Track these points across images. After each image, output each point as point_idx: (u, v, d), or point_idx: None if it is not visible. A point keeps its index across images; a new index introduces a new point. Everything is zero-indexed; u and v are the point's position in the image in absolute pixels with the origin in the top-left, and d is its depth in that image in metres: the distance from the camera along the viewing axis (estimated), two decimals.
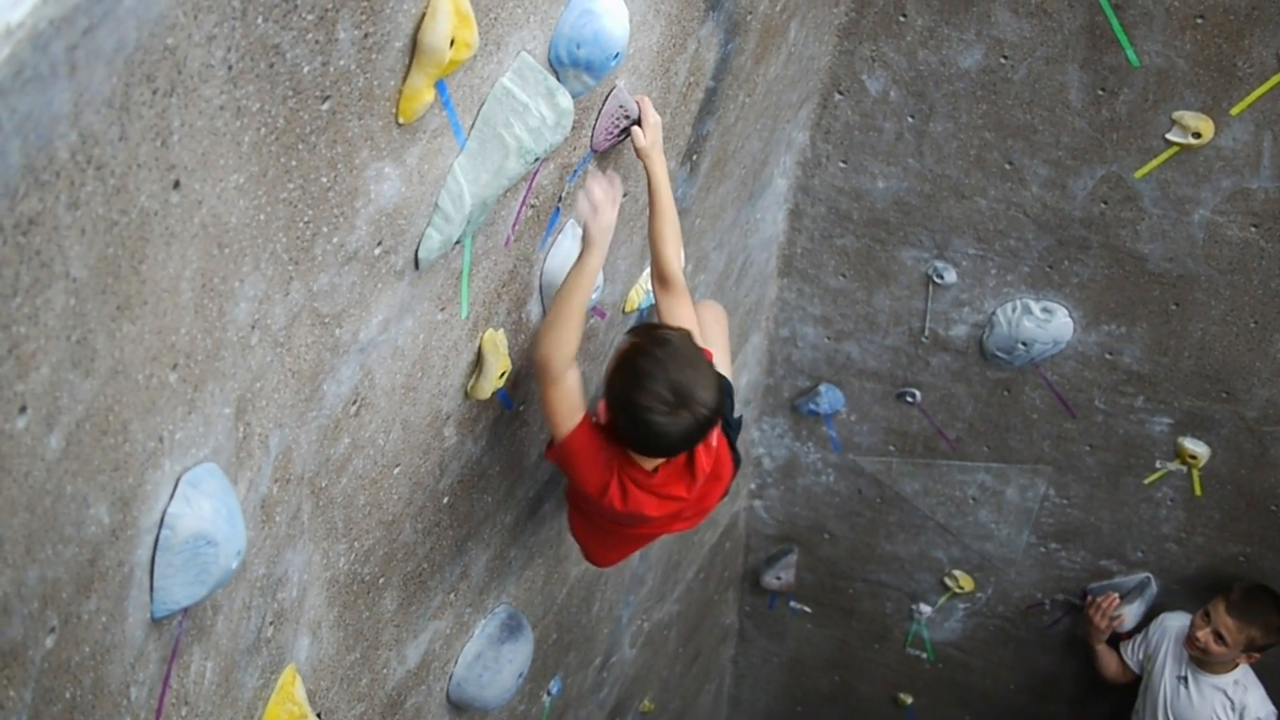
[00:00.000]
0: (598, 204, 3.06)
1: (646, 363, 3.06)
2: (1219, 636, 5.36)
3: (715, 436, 3.38)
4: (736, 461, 3.63)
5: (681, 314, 3.40)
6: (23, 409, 1.53)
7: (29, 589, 1.66)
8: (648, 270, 3.95)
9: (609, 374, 3.17)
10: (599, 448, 3.23)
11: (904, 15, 4.42)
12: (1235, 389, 5.03)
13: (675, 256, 3.37)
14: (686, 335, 3.19)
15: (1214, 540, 5.61)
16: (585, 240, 3.09)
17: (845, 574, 6.56)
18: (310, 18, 1.92)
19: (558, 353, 3.10)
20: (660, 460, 3.26)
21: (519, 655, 4.07)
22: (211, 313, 1.98)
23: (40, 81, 1.39)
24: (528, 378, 3.42)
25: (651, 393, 3.02)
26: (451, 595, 3.68)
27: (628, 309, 4.00)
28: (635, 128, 3.21)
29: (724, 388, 3.30)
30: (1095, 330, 5.06)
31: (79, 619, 1.82)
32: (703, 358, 3.14)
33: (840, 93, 4.71)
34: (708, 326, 3.78)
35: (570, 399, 3.18)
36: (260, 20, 1.82)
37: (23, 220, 1.43)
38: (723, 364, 3.68)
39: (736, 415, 3.75)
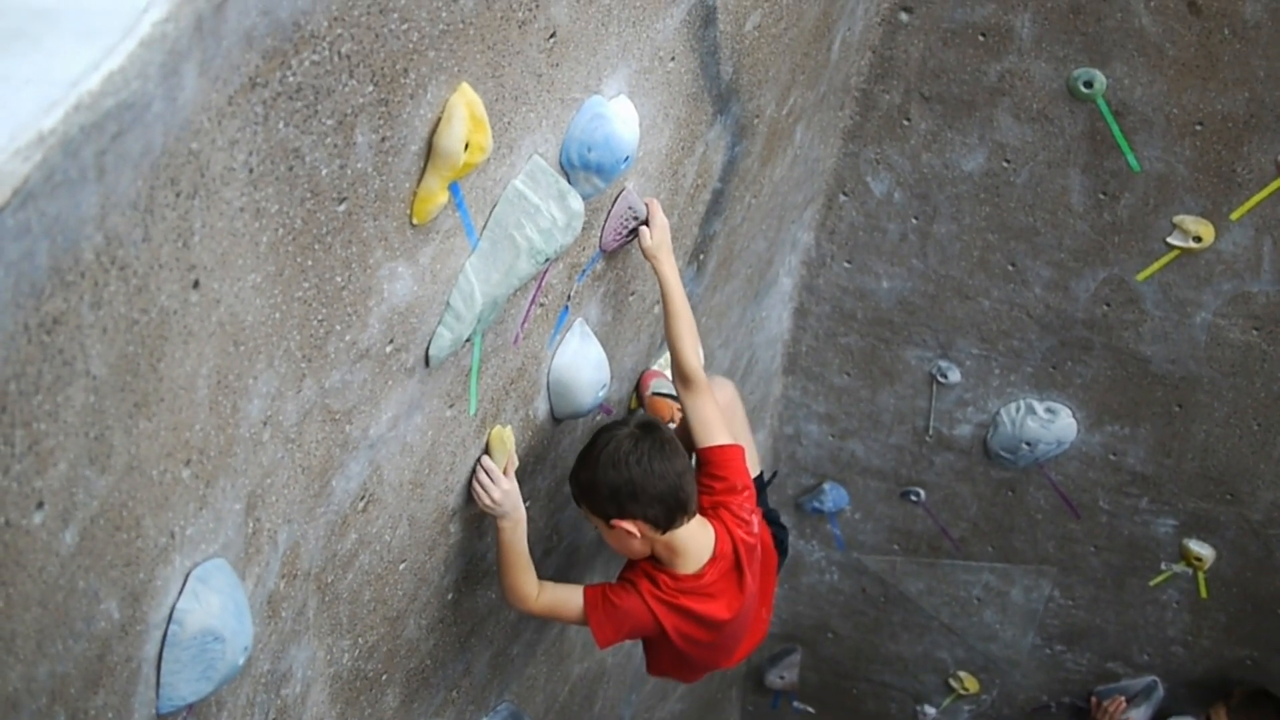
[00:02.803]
0: (495, 481, 3.10)
1: (583, 475, 3.23)
2: None
3: (755, 520, 3.42)
4: (781, 552, 3.74)
5: (706, 411, 3.44)
6: (40, 504, 1.54)
7: (38, 684, 1.66)
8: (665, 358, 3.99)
9: (592, 493, 3.23)
10: (628, 599, 3.29)
11: (908, 119, 4.50)
12: (1240, 491, 5.02)
13: (693, 354, 3.40)
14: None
15: (1221, 643, 5.57)
16: (500, 514, 3.14)
17: (849, 674, 6.51)
18: (330, 122, 1.97)
19: (524, 591, 3.26)
20: (706, 559, 3.30)
21: None
22: (225, 409, 2.00)
23: (70, 185, 1.42)
24: (533, 473, 3.44)
25: (612, 448, 3.16)
26: (454, 692, 3.66)
27: (633, 406, 4.02)
28: (642, 227, 3.25)
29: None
30: (1099, 431, 5.07)
31: (86, 715, 1.81)
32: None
33: (845, 194, 4.77)
34: (730, 416, 3.79)
35: (558, 595, 3.33)
36: (281, 125, 1.87)
37: (47, 319, 1.46)
38: (749, 451, 3.71)
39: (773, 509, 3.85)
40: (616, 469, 3.14)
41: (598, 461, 3.18)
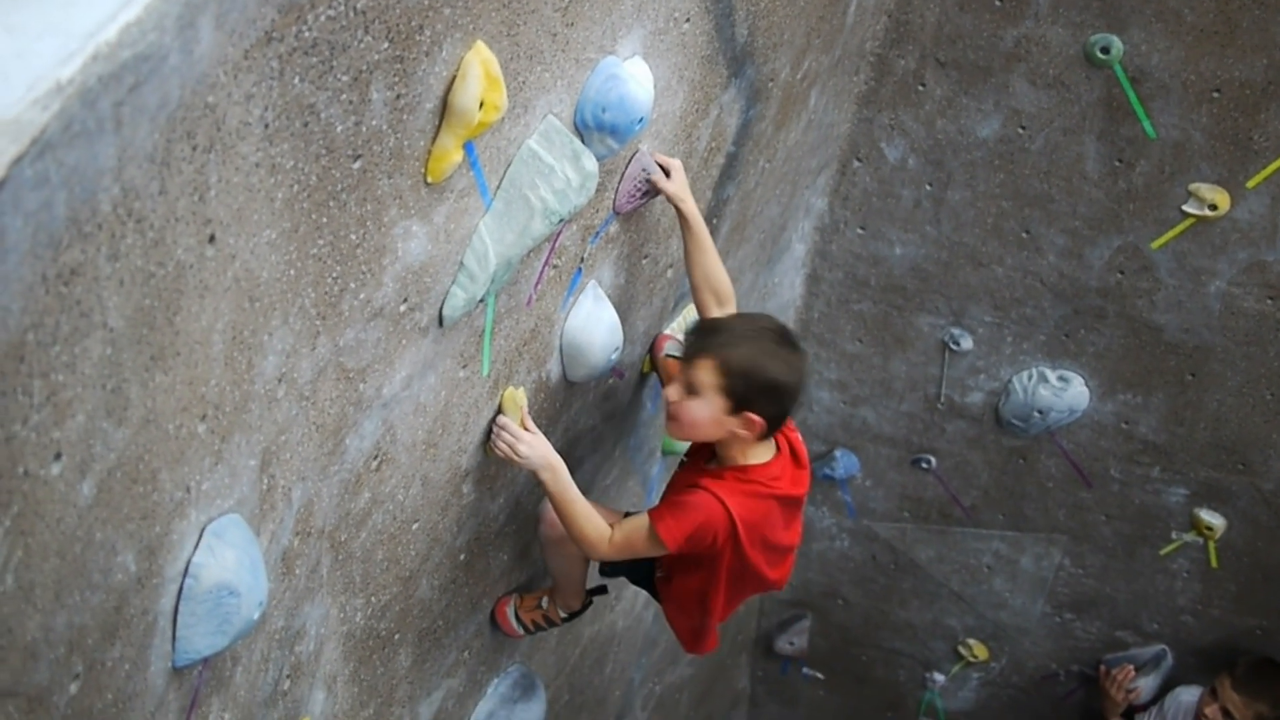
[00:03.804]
0: (517, 436, 3.10)
1: (748, 353, 3.05)
2: (1227, 714, 5.32)
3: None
4: None
5: None
6: (58, 455, 1.55)
7: (56, 634, 1.67)
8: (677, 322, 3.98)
9: (722, 382, 3.04)
10: (694, 495, 3.14)
11: (923, 85, 4.48)
12: (1251, 461, 5.02)
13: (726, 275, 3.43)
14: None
15: (1230, 613, 5.58)
16: (532, 467, 3.13)
17: (858, 640, 6.53)
18: (345, 78, 1.97)
19: (595, 538, 3.20)
20: (773, 453, 3.23)
21: (531, 715, 4.06)
22: (241, 365, 2.01)
23: (87, 136, 1.42)
24: (546, 435, 3.44)
25: (777, 365, 3.05)
26: (465, 653, 3.68)
27: (645, 370, 4.02)
28: (659, 174, 3.23)
29: None
30: (1111, 399, 5.07)
31: (103, 666, 1.83)
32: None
33: (859, 160, 4.76)
34: None
35: (627, 527, 3.21)
36: (297, 80, 1.87)
37: (65, 270, 1.47)
38: None
39: None
40: (788, 368, 3.07)
41: (767, 351, 3.06)
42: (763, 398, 3.05)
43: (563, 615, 3.82)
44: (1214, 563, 5.41)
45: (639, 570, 3.62)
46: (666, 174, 3.25)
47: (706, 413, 3.07)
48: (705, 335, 3.15)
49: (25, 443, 1.49)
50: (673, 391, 3.14)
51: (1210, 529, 5.27)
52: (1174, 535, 5.41)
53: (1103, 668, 5.94)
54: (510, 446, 3.09)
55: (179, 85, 1.59)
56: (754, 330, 3.14)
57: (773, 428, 3.13)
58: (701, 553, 3.19)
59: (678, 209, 3.30)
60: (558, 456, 3.16)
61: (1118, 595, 5.74)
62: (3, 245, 1.34)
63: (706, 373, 3.06)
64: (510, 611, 3.81)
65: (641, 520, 3.19)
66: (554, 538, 3.61)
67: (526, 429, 3.14)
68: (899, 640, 6.42)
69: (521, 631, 3.83)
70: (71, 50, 1.40)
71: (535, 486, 3.40)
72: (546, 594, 3.82)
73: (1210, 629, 5.68)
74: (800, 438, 3.39)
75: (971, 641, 6.21)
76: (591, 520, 3.20)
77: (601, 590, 3.88)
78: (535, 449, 3.12)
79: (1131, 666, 5.83)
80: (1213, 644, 5.72)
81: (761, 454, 3.20)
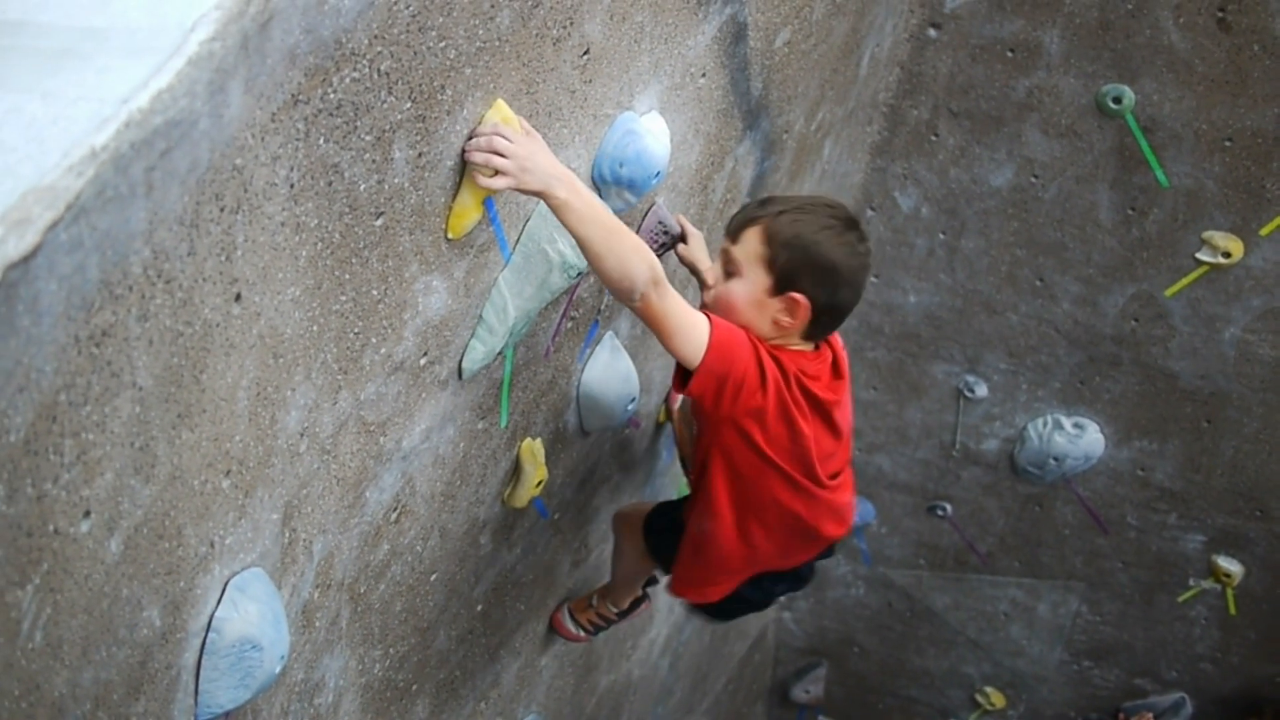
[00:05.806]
0: (509, 141, 2.26)
1: (800, 224, 2.65)
2: None
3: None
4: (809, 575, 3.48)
5: None
6: (87, 513, 1.57)
7: (83, 690, 1.69)
8: None
9: (767, 253, 2.65)
10: (739, 336, 2.66)
11: (936, 134, 4.51)
12: (1269, 507, 5.01)
13: None
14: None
15: (1250, 660, 5.54)
16: (540, 192, 2.32)
17: (875, 688, 6.50)
18: (368, 138, 2.00)
19: (633, 271, 2.43)
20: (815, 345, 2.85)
21: None
22: (264, 421, 2.03)
23: (120, 201, 1.45)
24: (563, 486, 3.46)
25: (834, 242, 2.65)
26: (482, 704, 3.68)
27: (661, 420, 4.04)
28: (682, 245, 3.25)
29: None
30: (1127, 446, 5.06)
31: None
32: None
33: (873, 209, 4.79)
34: None
35: (683, 304, 2.55)
36: (322, 141, 1.89)
37: (96, 332, 1.49)
38: None
39: None
40: (849, 251, 2.66)
41: (825, 227, 2.64)
42: (813, 278, 2.64)
43: (615, 611, 3.84)
44: (1232, 610, 5.38)
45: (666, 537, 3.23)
46: (685, 240, 3.27)
47: (746, 293, 2.66)
48: (756, 206, 2.74)
49: (55, 501, 1.51)
50: (709, 275, 2.79)
51: (1228, 576, 5.25)
52: (1192, 582, 5.39)
53: (1121, 716, 5.90)
54: (486, 160, 2.23)
55: (208, 149, 1.62)
56: (814, 204, 2.73)
57: (822, 322, 2.73)
58: (728, 398, 2.65)
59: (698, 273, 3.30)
60: (566, 170, 2.36)
61: (1135, 643, 5.71)
62: (37, 309, 1.37)
63: (751, 243, 2.65)
64: (565, 618, 3.88)
65: (699, 320, 2.57)
66: (627, 528, 3.57)
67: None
68: (915, 688, 6.39)
69: (581, 634, 3.89)
70: (105, 116, 1.43)
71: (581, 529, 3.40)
72: (595, 593, 3.87)
73: (1229, 676, 5.65)
74: (843, 348, 2.97)
75: (988, 689, 6.17)
76: (636, 242, 2.47)
77: (653, 581, 3.89)
78: (536, 162, 2.27)
79: (1150, 714, 5.80)
80: (1232, 692, 5.68)
81: (802, 347, 2.80)
